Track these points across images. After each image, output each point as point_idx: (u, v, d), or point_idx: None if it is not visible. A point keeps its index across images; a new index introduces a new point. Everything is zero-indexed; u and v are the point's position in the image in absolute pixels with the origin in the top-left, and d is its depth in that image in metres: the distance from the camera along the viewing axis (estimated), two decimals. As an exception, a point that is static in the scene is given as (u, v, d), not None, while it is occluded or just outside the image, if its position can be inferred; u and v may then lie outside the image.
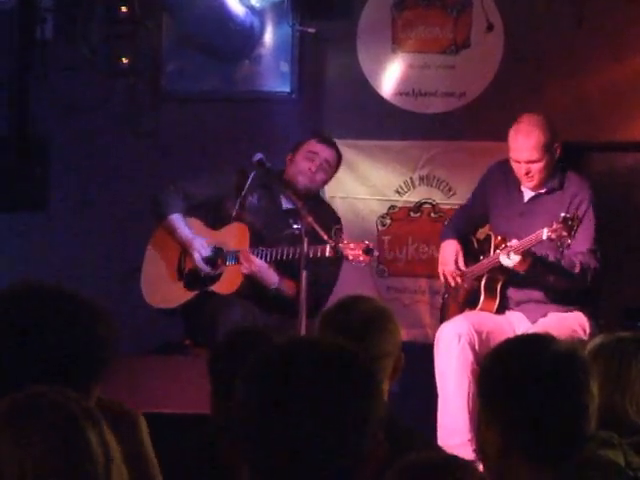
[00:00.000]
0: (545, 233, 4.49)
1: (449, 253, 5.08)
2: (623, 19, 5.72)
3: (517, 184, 4.97)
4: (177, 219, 5.17)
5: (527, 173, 4.82)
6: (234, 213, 5.19)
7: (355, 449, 1.61)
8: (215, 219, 5.25)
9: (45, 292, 2.22)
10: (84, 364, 2.17)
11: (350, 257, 4.86)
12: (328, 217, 5.19)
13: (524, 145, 4.79)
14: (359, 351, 1.70)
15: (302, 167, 5.11)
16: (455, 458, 1.93)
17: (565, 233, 4.43)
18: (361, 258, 4.85)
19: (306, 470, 1.60)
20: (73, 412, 1.78)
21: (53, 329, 2.15)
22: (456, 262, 5.04)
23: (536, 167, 4.81)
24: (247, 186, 5.19)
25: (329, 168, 5.19)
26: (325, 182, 5.29)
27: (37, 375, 2.09)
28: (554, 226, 4.46)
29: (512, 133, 4.85)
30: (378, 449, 1.66)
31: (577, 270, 4.69)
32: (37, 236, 6.27)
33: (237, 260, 5.06)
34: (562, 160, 4.97)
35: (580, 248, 4.72)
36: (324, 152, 5.15)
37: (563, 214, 4.48)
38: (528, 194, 4.95)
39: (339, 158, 5.24)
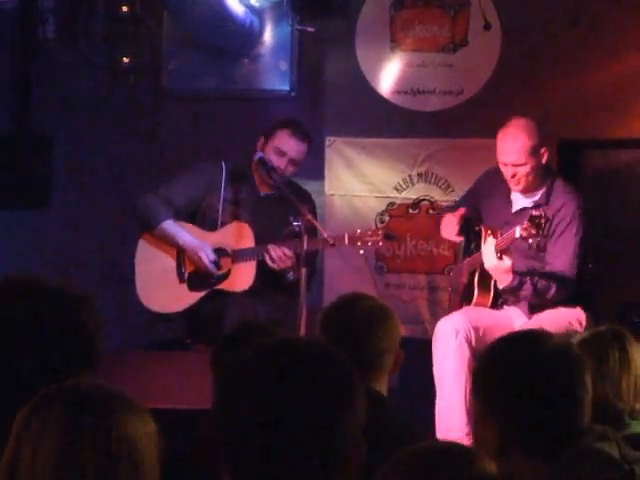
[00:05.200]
0: (518, 231, 4.52)
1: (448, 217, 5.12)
2: (618, 17, 5.75)
3: (507, 193, 5.00)
4: (171, 225, 5.15)
5: (513, 176, 4.84)
6: (220, 210, 5.22)
7: (330, 451, 1.64)
8: (204, 221, 5.25)
9: (27, 285, 2.22)
10: (71, 355, 2.16)
11: (370, 243, 4.93)
12: (305, 195, 5.34)
13: (511, 148, 4.80)
14: (342, 356, 1.73)
15: (274, 161, 5.12)
16: (460, 445, 1.94)
17: (534, 231, 4.46)
18: (381, 243, 4.95)
19: (282, 470, 1.62)
20: (110, 397, 1.80)
21: (37, 322, 2.15)
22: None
23: (522, 170, 4.82)
24: (223, 179, 5.23)
25: (298, 161, 5.21)
26: (295, 172, 5.27)
27: (26, 369, 2.12)
28: (525, 224, 4.49)
29: (500, 136, 4.86)
30: (358, 452, 1.68)
31: (551, 293, 4.76)
32: (39, 234, 6.28)
33: (254, 257, 5.09)
34: (552, 170, 5.00)
35: (559, 265, 4.77)
36: (293, 150, 5.14)
37: (531, 213, 4.50)
38: (516, 205, 4.96)
39: (309, 148, 5.23)
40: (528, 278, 4.74)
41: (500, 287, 4.78)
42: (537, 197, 4.91)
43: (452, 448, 1.89)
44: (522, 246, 4.68)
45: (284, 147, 5.13)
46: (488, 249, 4.72)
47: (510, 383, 2.30)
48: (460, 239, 5.12)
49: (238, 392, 1.67)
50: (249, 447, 1.63)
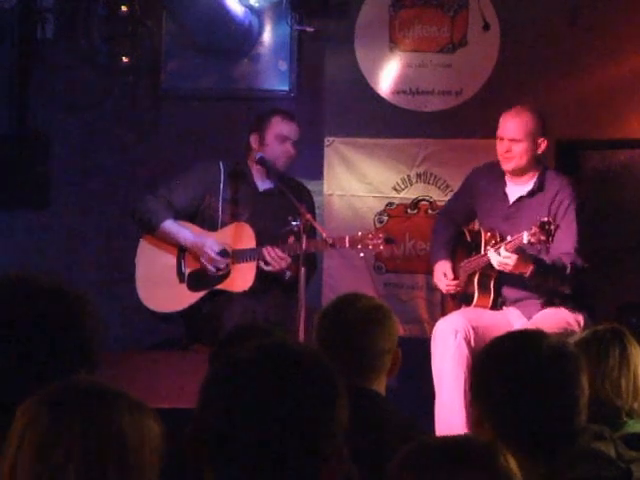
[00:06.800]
0: (525, 237, 4.53)
1: (439, 275, 5.14)
2: (617, 18, 5.76)
3: (502, 187, 5.03)
4: (172, 225, 5.16)
5: (507, 151, 4.90)
6: (220, 210, 5.23)
7: (313, 453, 1.65)
8: (204, 221, 5.26)
9: (25, 284, 2.20)
10: (70, 355, 2.14)
11: (370, 247, 4.94)
12: (304, 192, 5.38)
13: (511, 122, 4.91)
14: (326, 359, 1.74)
15: (279, 151, 5.20)
16: (475, 439, 1.93)
17: (544, 237, 4.48)
18: (381, 247, 4.96)
19: (263, 470, 1.64)
20: (106, 395, 1.79)
21: (35, 321, 2.13)
22: (445, 276, 5.10)
23: (517, 148, 4.89)
24: (222, 179, 5.25)
25: (297, 141, 5.29)
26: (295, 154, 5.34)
27: (24, 369, 2.10)
28: (533, 230, 4.50)
29: (503, 114, 4.97)
30: (339, 453, 1.69)
31: (569, 271, 4.74)
32: (38, 234, 6.28)
33: (254, 258, 5.10)
34: (542, 161, 5.02)
35: (566, 248, 4.77)
36: (292, 132, 5.26)
37: (540, 219, 4.52)
38: (512, 197, 4.99)
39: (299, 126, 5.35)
40: (547, 263, 4.73)
41: (527, 277, 4.75)
42: (531, 186, 4.95)
43: (471, 441, 1.89)
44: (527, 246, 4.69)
45: (285, 132, 5.23)
46: (502, 257, 4.71)
47: (505, 382, 2.30)
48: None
49: (223, 394, 1.68)
50: (231, 448, 1.64)
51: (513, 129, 4.90)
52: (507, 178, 5.03)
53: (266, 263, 5.01)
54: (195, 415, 1.71)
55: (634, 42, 5.75)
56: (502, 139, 4.93)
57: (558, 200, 4.85)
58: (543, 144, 4.91)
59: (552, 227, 4.48)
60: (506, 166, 4.96)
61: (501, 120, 4.96)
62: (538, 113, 4.94)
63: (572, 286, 4.84)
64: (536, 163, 4.97)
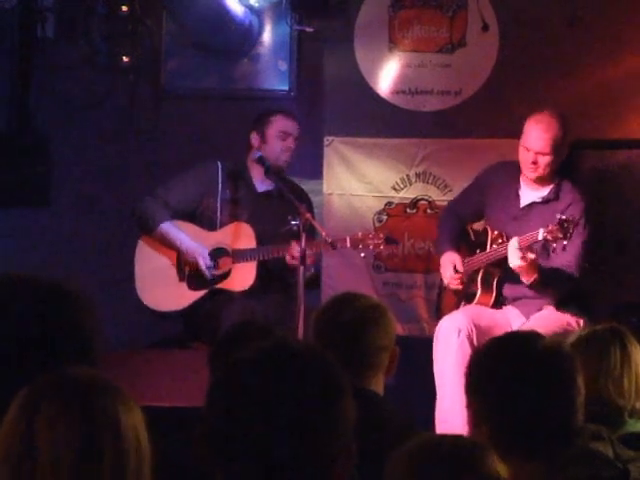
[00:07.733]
0: (541, 233, 4.52)
1: (446, 265, 5.12)
2: (615, 19, 5.76)
3: (515, 187, 5.02)
4: (169, 228, 5.19)
5: (534, 162, 4.85)
6: (219, 210, 5.24)
7: (321, 451, 1.66)
8: (202, 221, 5.28)
9: (24, 283, 2.20)
10: (69, 354, 2.14)
11: (371, 247, 4.95)
12: (303, 193, 5.43)
13: (540, 135, 4.83)
14: (331, 357, 1.75)
15: (279, 147, 5.26)
16: (471, 440, 1.95)
17: (561, 235, 4.47)
18: (382, 247, 4.97)
19: (272, 470, 1.64)
20: (101, 390, 1.80)
21: (34, 320, 2.14)
22: (454, 268, 5.08)
23: (544, 160, 4.85)
24: (220, 179, 5.26)
25: (298, 138, 5.36)
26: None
27: (23, 368, 2.10)
28: (550, 227, 4.50)
29: (532, 121, 4.89)
30: (348, 451, 1.70)
31: (567, 283, 4.79)
32: (39, 233, 6.28)
33: (254, 257, 5.09)
34: (559, 168, 5.02)
35: (568, 261, 4.78)
36: (294, 129, 5.33)
37: (559, 216, 4.52)
38: (525, 200, 4.98)
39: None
40: (549, 273, 4.75)
41: (527, 283, 4.76)
42: (546, 193, 4.94)
43: (463, 441, 1.90)
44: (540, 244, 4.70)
45: (288, 129, 5.29)
46: (512, 248, 4.70)
47: (501, 383, 2.31)
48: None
49: (230, 393, 1.69)
50: (232, 448, 1.65)
51: (541, 143, 4.83)
52: (522, 180, 5.01)
53: (292, 257, 4.99)
54: (202, 415, 1.71)
55: (634, 43, 5.76)
56: (528, 150, 4.86)
57: (569, 212, 4.81)
58: (566, 151, 4.91)
59: (570, 225, 4.46)
60: (531, 175, 4.92)
61: (528, 129, 4.88)
62: (564, 120, 4.89)
63: (561, 297, 4.86)
64: (557, 171, 4.95)
